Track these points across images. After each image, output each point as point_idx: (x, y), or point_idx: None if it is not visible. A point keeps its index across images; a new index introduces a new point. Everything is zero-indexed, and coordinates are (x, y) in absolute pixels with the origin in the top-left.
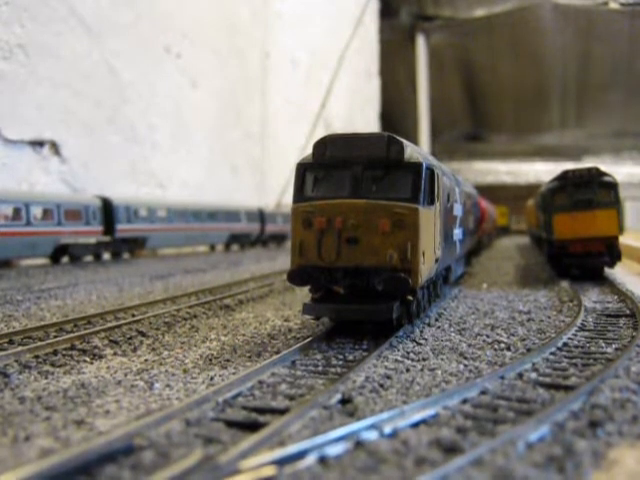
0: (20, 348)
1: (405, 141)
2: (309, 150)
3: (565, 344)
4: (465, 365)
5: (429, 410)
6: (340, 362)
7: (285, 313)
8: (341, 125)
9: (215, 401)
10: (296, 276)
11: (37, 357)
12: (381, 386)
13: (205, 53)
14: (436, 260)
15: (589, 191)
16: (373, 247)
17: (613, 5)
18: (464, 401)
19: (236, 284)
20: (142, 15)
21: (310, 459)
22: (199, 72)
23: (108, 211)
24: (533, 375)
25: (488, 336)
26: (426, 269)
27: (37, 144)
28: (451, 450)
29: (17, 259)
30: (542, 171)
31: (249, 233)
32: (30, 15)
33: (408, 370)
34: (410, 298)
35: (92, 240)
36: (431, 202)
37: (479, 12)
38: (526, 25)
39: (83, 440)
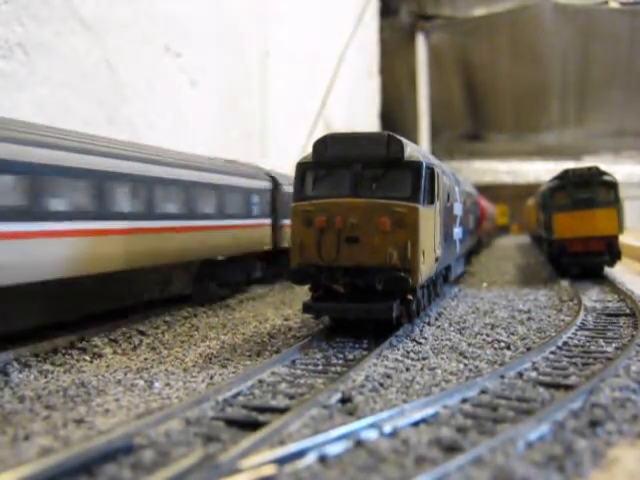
0: (20, 347)
1: (405, 140)
2: (309, 149)
3: (565, 343)
4: (465, 364)
5: (429, 409)
6: (340, 361)
7: (285, 312)
8: (341, 124)
9: (215, 400)
10: (296, 275)
11: (37, 356)
12: (381, 385)
13: (205, 52)
14: (436, 259)
15: (589, 190)
16: (373, 246)
17: (613, 4)
18: (464, 400)
19: None
20: (142, 13)
21: (310, 458)
22: (199, 71)
23: None
24: (533, 374)
25: (488, 335)
26: (426, 268)
27: None
28: (451, 449)
29: None
30: (542, 170)
31: None
32: (30, 14)
33: (408, 369)
34: (410, 297)
35: None
36: (431, 201)
37: (479, 11)
38: (526, 24)
39: (83, 439)
